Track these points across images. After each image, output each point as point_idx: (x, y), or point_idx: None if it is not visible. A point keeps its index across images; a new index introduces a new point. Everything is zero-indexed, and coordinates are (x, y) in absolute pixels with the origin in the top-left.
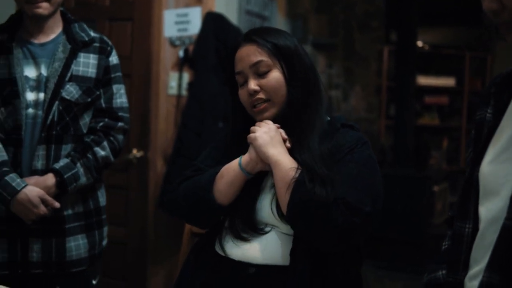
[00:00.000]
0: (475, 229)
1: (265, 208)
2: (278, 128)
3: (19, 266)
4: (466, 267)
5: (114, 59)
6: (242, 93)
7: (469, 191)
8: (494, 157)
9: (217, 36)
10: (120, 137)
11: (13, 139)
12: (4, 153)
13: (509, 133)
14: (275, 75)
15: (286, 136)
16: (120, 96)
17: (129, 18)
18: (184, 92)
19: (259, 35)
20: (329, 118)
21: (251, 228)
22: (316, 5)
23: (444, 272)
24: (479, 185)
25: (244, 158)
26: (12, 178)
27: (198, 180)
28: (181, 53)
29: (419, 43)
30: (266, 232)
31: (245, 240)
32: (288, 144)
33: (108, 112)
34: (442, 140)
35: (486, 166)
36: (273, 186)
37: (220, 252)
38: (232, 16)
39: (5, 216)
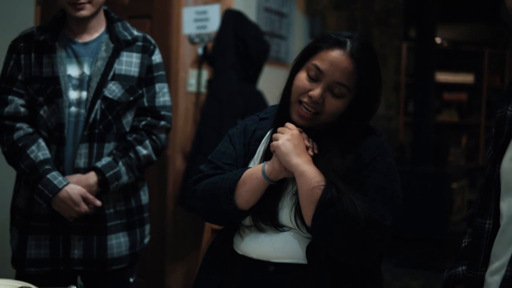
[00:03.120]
0: (496, 225)
1: (285, 215)
2: (301, 132)
3: (60, 263)
4: (486, 263)
5: (157, 57)
6: (302, 80)
7: (490, 188)
8: None
9: (236, 33)
10: (163, 135)
11: (56, 137)
12: (47, 151)
13: None
14: (341, 103)
15: (309, 144)
16: (163, 95)
17: (148, 16)
18: (203, 90)
19: (363, 58)
20: None
21: (273, 225)
22: (334, 1)
23: (464, 268)
24: (500, 182)
25: (268, 166)
26: (54, 176)
27: (218, 184)
28: (200, 51)
29: (438, 40)
30: (286, 231)
31: (266, 233)
32: (310, 152)
33: (150, 111)
34: (461, 137)
35: (508, 163)
36: (295, 193)
37: (239, 251)
38: (251, 13)
39: (47, 213)
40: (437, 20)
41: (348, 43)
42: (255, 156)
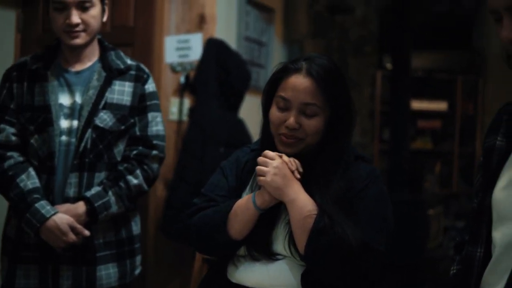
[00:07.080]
0: (487, 253)
1: (279, 244)
2: (282, 159)
3: None
4: None
5: (150, 87)
6: (275, 114)
7: (481, 216)
8: (508, 183)
9: (218, 62)
10: (155, 165)
11: (46, 166)
12: (37, 180)
13: None
14: (318, 122)
15: (293, 167)
16: (156, 124)
17: (130, 44)
18: (184, 118)
19: (320, 73)
20: None
21: (267, 254)
22: (312, 30)
23: None
24: (491, 211)
25: (258, 198)
26: (42, 205)
27: (211, 217)
28: (182, 79)
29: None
30: (280, 259)
31: (260, 262)
32: (297, 175)
33: (142, 140)
34: (435, 164)
35: (500, 192)
36: (288, 222)
37: (233, 279)
38: (232, 42)
39: (36, 242)
40: (410, 49)
41: (303, 64)
42: (248, 187)
